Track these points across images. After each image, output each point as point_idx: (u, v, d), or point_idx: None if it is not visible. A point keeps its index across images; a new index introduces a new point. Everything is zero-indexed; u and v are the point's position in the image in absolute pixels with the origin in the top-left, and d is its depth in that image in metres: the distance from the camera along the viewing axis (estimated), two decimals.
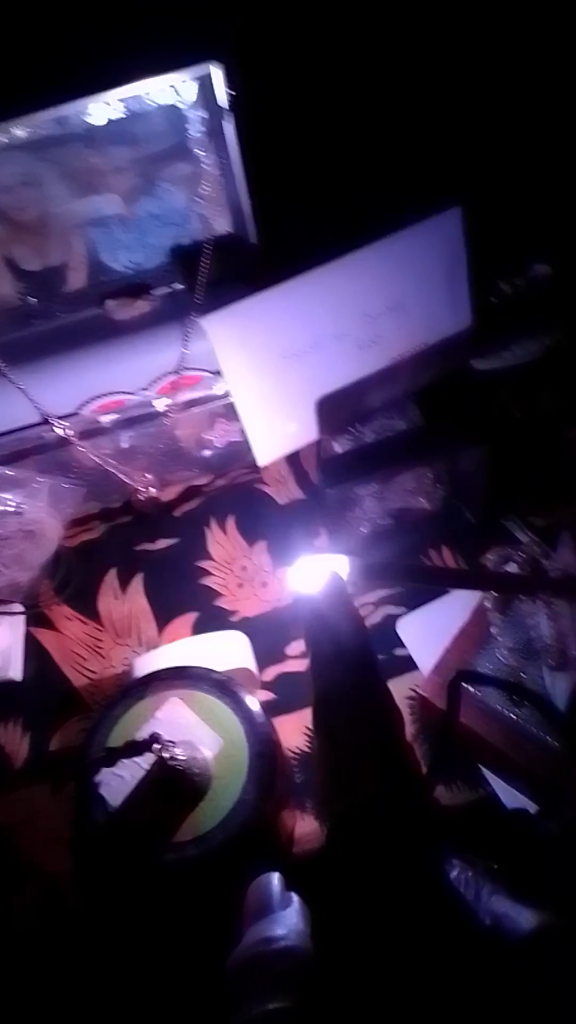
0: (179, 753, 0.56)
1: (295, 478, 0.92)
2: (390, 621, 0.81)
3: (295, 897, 0.54)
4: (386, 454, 0.74)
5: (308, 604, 0.62)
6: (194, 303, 0.74)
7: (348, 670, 0.59)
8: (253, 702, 0.62)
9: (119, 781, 0.59)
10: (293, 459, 0.93)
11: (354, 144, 0.76)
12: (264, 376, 0.77)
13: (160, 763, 0.57)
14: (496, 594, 0.66)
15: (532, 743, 0.64)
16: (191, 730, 0.61)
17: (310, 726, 0.75)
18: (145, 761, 0.58)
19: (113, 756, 0.58)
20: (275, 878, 0.55)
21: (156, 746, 0.56)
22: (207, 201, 0.72)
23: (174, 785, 0.57)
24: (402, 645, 0.79)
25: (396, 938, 0.47)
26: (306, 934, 0.50)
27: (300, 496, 0.91)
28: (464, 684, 0.65)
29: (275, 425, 0.80)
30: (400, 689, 0.77)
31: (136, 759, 0.58)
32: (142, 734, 0.60)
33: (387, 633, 0.81)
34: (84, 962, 0.65)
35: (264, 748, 0.60)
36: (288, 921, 0.50)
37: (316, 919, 0.52)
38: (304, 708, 0.77)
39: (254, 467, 0.94)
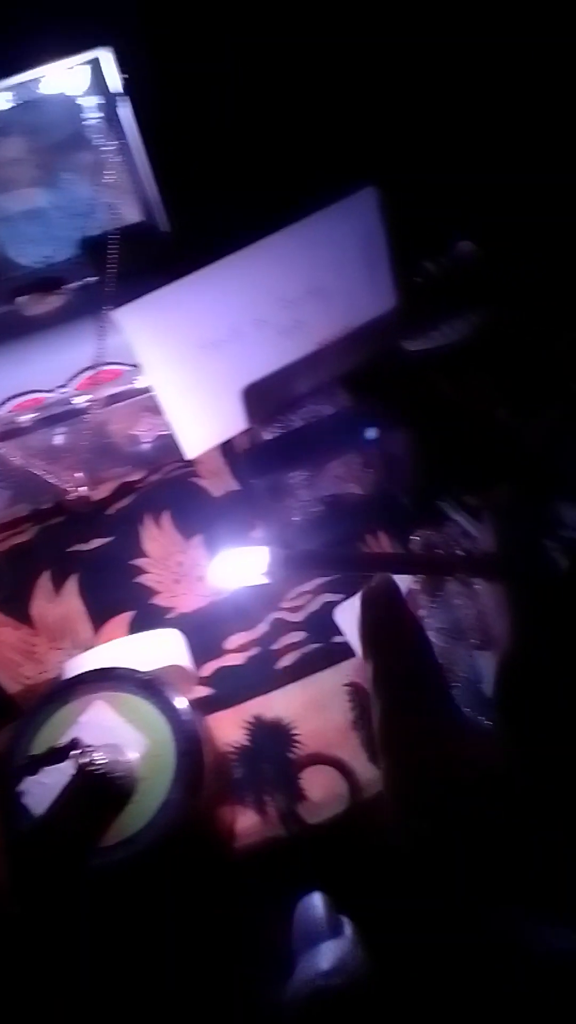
0: (99, 758, 0.55)
1: (230, 469, 0.91)
2: (328, 609, 0.81)
3: (345, 923, 0.53)
4: (313, 441, 0.73)
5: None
6: (107, 295, 0.73)
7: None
8: (180, 700, 0.61)
9: (42, 789, 0.58)
10: (228, 450, 0.91)
11: (259, 126, 0.75)
12: (184, 367, 0.75)
13: (81, 769, 0.56)
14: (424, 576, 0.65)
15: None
16: (115, 733, 0.60)
17: (249, 719, 0.75)
18: (67, 767, 0.57)
19: (35, 764, 0.57)
20: (318, 900, 0.53)
21: (74, 752, 0.55)
22: (112, 190, 0.70)
23: (97, 790, 0.56)
24: (340, 632, 0.79)
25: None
26: (357, 962, 0.49)
27: (235, 488, 0.89)
28: None
29: (200, 417, 0.79)
30: (338, 678, 0.76)
31: (58, 765, 0.57)
32: (65, 739, 0.59)
33: (325, 621, 0.80)
34: (22, 968, 0.65)
35: (190, 746, 0.59)
36: (337, 953, 0.49)
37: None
38: (243, 702, 0.76)
39: (188, 460, 0.93)
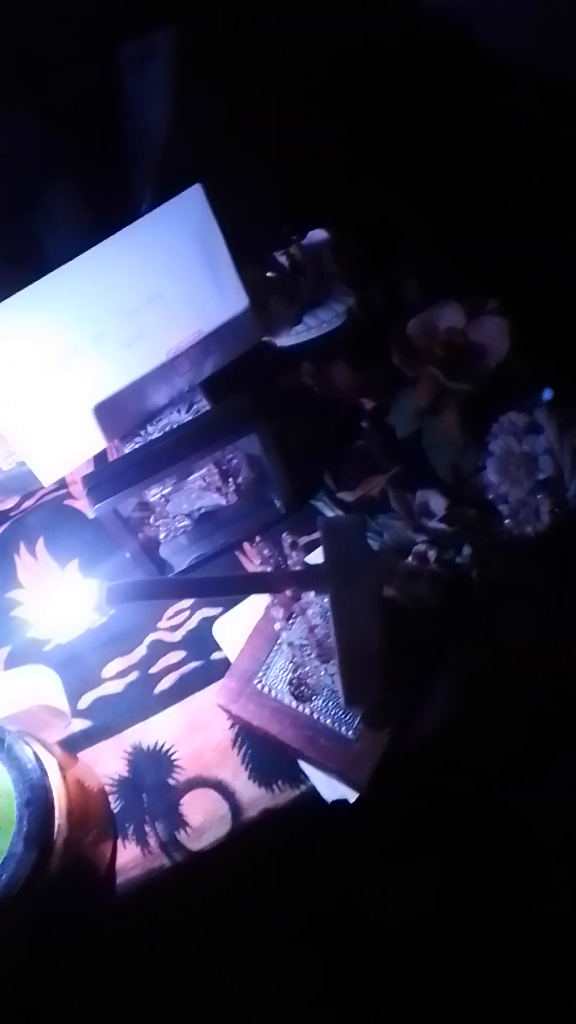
0: None
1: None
2: (206, 624, 0.79)
3: None
4: (166, 453, 0.70)
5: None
6: None
7: None
8: (22, 749, 0.59)
9: None
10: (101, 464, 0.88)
11: (72, 135, 0.71)
12: (25, 393, 0.72)
13: None
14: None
15: (326, 737, 0.62)
16: None
17: (128, 749, 0.73)
18: None
19: None
20: None
21: None
22: None
23: None
24: (219, 648, 0.77)
25: None
26: None
27: None
28: (257, 685, 0.63)
29: (52, 442, 0.76)
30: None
31: None
32: None
33: (204, 637, 0.78)
34: None
35: (34, 795, 0.57)
36: None
37: None
38: (123, 730, 0.74)
39: (61, 483, 0.90)
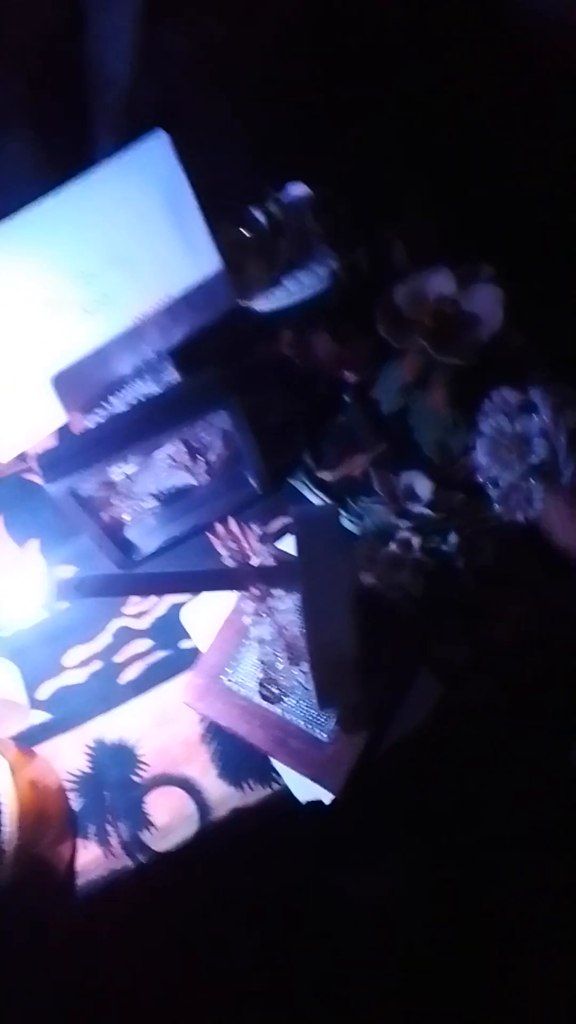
0: None
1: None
2: (175, 611, 0.74)
3: None
4: (128, 431, 0.65)
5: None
6: None
7: None
8: None
9: None
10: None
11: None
12: None
13: None
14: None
15: (298, 740, 0.58)
16: None
17: (90, 743, 0.69)
18: None
19: None
20: None
21: None
22: None
23: None
24: (188, 636, 0.73)
25: None
26: None
27: None
28: (225, 682, 0.59)
29: (9, 416, 0.70)
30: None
31: None
32: None
33: (172, 624, 0.73)
34: None
35: None
36: None
37: None
38: (84, 723, 0.70)
39: (22, 458, 0.84)
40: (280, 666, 0.58)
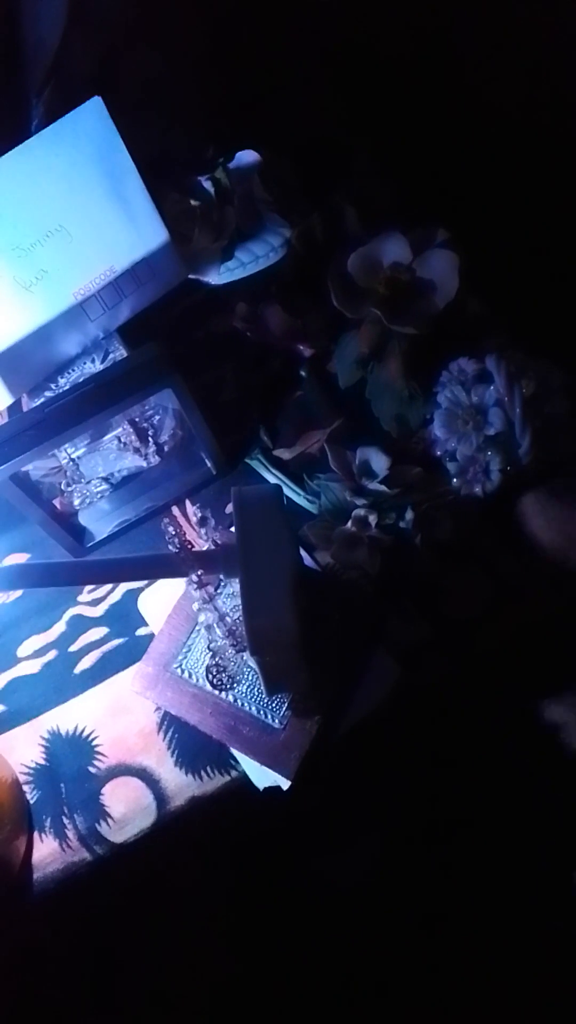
0: None
1: None
2: (131, 598, 0.72)
3: None
4: (66, 412, 0.62)
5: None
6: None
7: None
8: None
9: None
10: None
11: None
12: None
13: None
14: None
15: (249, 727, 0.57)
16: None
17: (45, 734, 0.68)
18: None
19: None
20: None
21: None
22: None
23: None
24: (146, 623, 0.71)
25: None
26: None
27: None
28: (176, 670, 0.57)
29: None
30: None
31: None
32: None
33: (128, 611, 0.72)
34: None
35: None
36: None
37: None
38: (39, 715, 0.69)
39: None
40: (229, 653, 0.57)
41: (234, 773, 0.64)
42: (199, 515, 0.53)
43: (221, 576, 0.52)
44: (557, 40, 0.82)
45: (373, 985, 0.81)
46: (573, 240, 0.83)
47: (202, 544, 0.52)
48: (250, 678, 0.59)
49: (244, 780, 0.64)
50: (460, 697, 0.70)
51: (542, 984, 0.78)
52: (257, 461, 0.75)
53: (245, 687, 0.59)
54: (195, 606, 0.57)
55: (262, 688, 0.58)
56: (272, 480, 0.74)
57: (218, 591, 0.57)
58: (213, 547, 0.51)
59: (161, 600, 0.70)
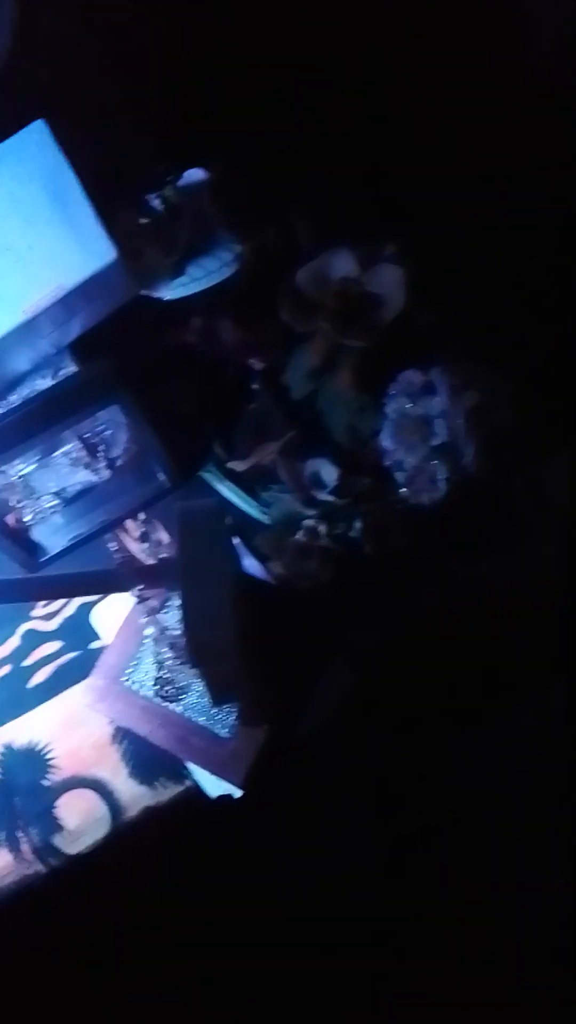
0: None
1: None
2: (85, 611, 0.73)
3: None
4: (10, 429, 0.63)
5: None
6: None
7: None
8: None
9: None
10: None
11: None
12: None
13: None
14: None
15: (198, 737, 0.57)
16: None
17: (0, 749, 0.68)
18: None
19: None
20: None
21: None
22: None
23: None
24: (99, 637, 0.71)
25: None
26: None
27: None
28: (125, 683, 0.58)
29: None
30: None
31: None
32: None
33: (82, 625, 0.72)
34: None
35: None
36: None
37: None
38: None
39: None
40: (175, 665, 0.57)
41: (188, 783, 0.65)
42: (141, 530, 0.54)
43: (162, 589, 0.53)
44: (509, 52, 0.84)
45: (339, 984, 0.81)
46: (523, 252, 0.84)
47: (145, 559, 0.53)
48: (198, 689, 0.60)
49: (197, 790, 0.64)
50: (415, 702, 0.71)
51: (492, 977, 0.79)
52: (211, 473, 0.75)
53: (194, 698, 0.60)
54: (143, 620, 0.57)
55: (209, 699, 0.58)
56: (226, 492, 0.74)
57: (167, 605, 0.58)
58: (155, 562, 0.52)
59: (115, 614, 0.71)
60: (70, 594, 0.59)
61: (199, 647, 0.47)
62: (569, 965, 0.82)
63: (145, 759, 0.66)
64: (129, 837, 0.64)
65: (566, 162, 0.87)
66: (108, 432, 0.70)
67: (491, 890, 0.79)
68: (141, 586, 0.51)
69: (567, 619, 0.77)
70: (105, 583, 0.51)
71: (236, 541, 0.63)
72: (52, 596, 0.62)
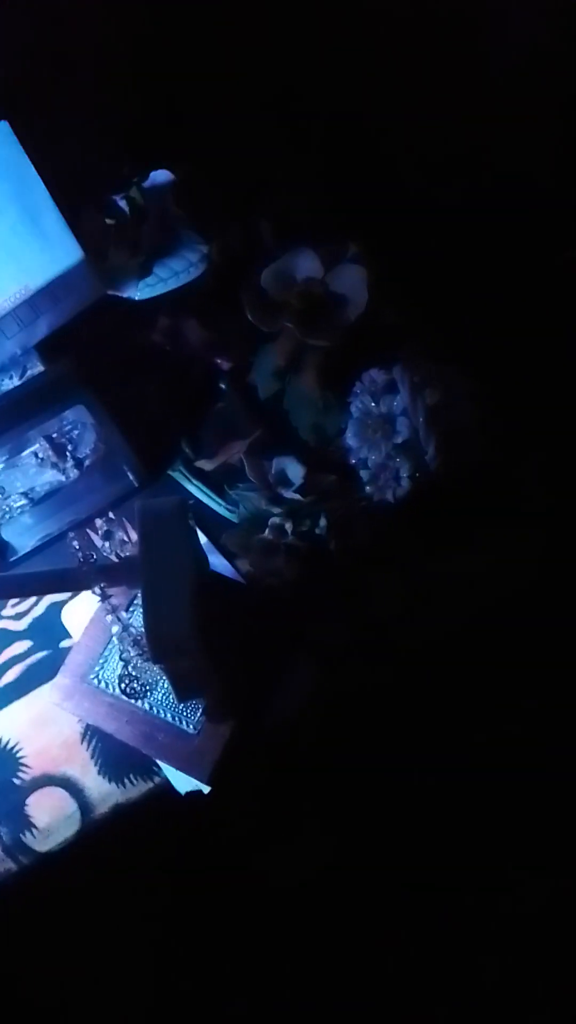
0: None
1: None
2: (55, 611, 0.73)
3: None
4: None
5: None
6: None
7: None
8: None
9: None
10: None
11: None
12: None
13: None
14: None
15: (164, 733, 0.58)
16: None
17: None
18: None
19: None
20: None
21: None
22: None
23: None
24: (70, 636, 0.72)
25: None
26: None
27: None
28: (93, 680, 0.58)
29: None
30: None
31: None
32: None
33: (52, 624, 0.72)
34: None
35: None
36: None
37: None
38: None
39: None
40: (140, 662, 0.58)
41: (157, 779, 0.65)
42: (104, 529, 0.55)
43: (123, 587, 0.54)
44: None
45: (318, 981, 0.82)
46: (485, 253, 0.86)
47: (108, 557, 0.54)
48: (164, 686, 0.60)
49: (167, 786, 0.65)
50: (383, 695, 0.72)
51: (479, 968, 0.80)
52: (179, 472, 0.76)
53: (160, 695, 0.61)
54: (108, 618, 0.58)
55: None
56: (194, 491, 0.75)
57: (132, 603, 0.59)
58: (116, 560, 0.53)
59: (84, 612, 0.71)
60: (31, 593, 0.60)
61: (160, 643, 0.48)
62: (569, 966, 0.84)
63: (115, 757, 0.66)
64: (99, 834, 0.65)
65: (527, 162, 0.89)
66: (75, 432, 0.71)
67: (473, 883, 0.80)
68: (103, 583, 0.51)
69: (536, 615, 0.78)
70: (64, 581, 0.52)
71: (203, 539, 0.64)
72: (11, 595, 0.62)
